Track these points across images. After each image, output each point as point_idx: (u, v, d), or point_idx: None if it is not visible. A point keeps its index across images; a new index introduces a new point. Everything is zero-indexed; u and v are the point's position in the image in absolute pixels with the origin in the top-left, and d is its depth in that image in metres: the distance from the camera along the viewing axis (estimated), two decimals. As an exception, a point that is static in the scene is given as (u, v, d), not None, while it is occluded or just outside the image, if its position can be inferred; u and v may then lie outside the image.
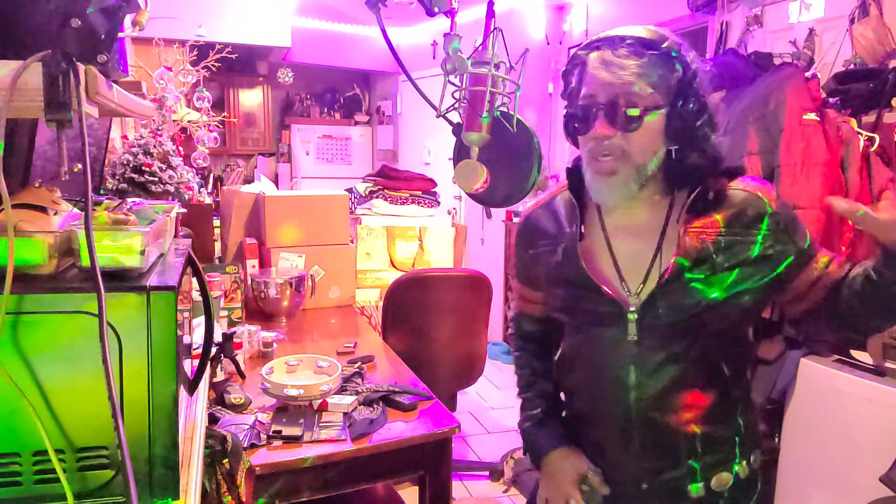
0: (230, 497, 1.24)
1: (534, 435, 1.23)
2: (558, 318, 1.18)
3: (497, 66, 1.14)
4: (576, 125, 1.06)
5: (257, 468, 1.34)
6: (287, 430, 1.47)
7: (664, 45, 0.99)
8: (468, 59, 1.14)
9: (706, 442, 1.06)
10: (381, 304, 2.93)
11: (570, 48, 4.71)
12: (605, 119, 1.00)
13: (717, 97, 2.27)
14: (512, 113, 1.21)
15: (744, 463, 1.09)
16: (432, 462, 1.57)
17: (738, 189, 1.05)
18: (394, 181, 3.42)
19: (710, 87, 1.05)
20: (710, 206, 1.03)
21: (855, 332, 1.07)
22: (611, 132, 1.00)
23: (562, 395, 1.26)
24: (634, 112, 0.98)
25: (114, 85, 0.80)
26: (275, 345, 2.07)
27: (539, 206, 1.22)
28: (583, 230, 1.11)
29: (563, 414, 1.25)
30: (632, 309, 1.04)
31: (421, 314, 2.63)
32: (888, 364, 1.81)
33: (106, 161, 2.33)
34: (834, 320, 1.04)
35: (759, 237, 1.01)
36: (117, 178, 2.41)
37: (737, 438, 1.09)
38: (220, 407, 1.57)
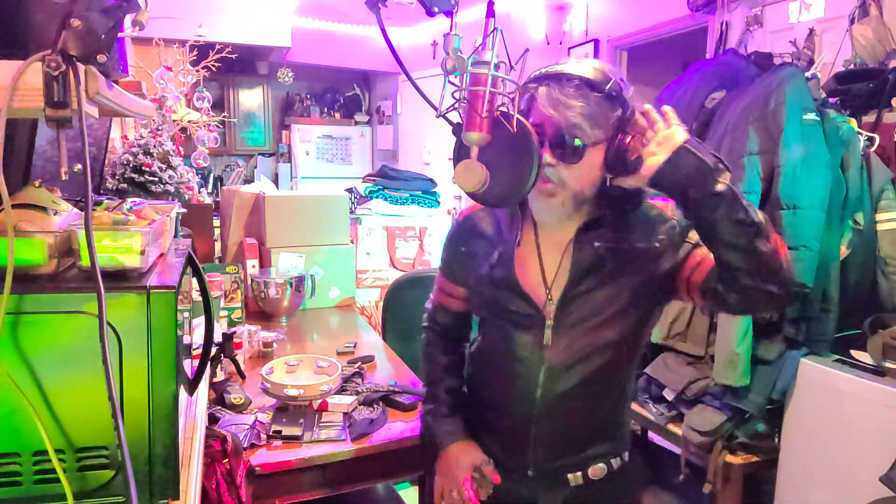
0: (230, 497, 1.24)
1: (435, 428, 1.31)
2: (480, 314, 1.28)
3: (497, 66, 1.14)
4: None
5: (257, 468, 1.34)
6: (287, 430, 1.47)
7: (608, 86, 1.06)
8: (468, 59, 1.14)
9: (592, 437, 1.19)
10: (381, 304, 2.93)
11: (570, 48, 4.71)
12: (549, 149, 1.09)
13: (718, 97, 2.27)
14: (512, 113, 1.21)
15: (619, 457, 1.22)
16: (432, 462, 1.57)
17: (646, 206, 1.16)
18: (394, 181, 3.42)
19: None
20: (610, 223, 1.14)
21: (737, 281, 1.07)
22: (553, 162, 1.09)
23: (466, 386, 1.34)
24: (577, 147, 1.07)
25: (114, 85, 0.80)
26: (275, 345, 2.07)
27: (480, 207, 1.27)
28: (519, 240, 1.20)
29: (467, 402, 1.33)
30: (547, 315, 1.14)
31: (421, 314, 2.63)
32: (888, 364, 1.81)
33: (106, 161, 2.33)
34: (721, 283, 1.09)
35: (655, 243, 1.13)
36: (117, 178, 2.41)
37: (616, 434, 1.22)
38: (220, 407, 1.57)
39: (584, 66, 1.09)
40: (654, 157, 1.01)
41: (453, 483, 1.23)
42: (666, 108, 1.07)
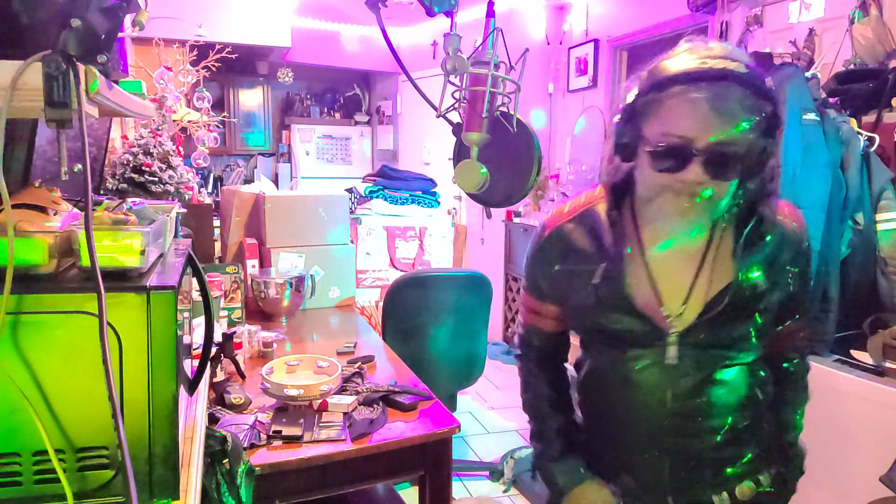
0: (230, 497, 1.24)
1: (553, 473, 1.19)
2: (587, 338, 1.15)
3: (497, 66, 1.15)
4: (657, 160, 0.95)
5: (257, 468, 1.34)
6: (287, 430, 1.47)
7: (766, 87, 0.91)
8: (468, 59, 1.14)
9: (733, 458, 1.09)
10: (381, 304, 2.93)
11: (570, 48, 4.71)
12: (701, 167, 0.91)
13: None
14: (512, 113, 1.22)
15: (766, 474, 1.11)
16: (432, 462, 1.57)
17: (781, 217, 1.06)
18: (394, 181, 3.42)
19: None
20: (760, 237, 1.03)
21: None
22: (704, 180, 0.92)
23: (579, 415, 1.23)
24: (733, 161, 0.91)
25: (114, 85, 0.80)
26: (275, 345, 2.07)
27: (569, 219, 1.12)
28: (622, 253, 1.07)
29: (582, 435, 1.22)
30: (672, 332, 1.03)
31: (421, 314, 2.63)
32: (888, 364, 1.81)
33: (106, 161, 2.33)
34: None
35: (799, 269, 1.06)
36: (117, 178, 2.41)
37: (760, 452, 1.11)
38: (220, 407, 1.57)
39: (732, 59, 0.90)
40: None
41: None
42: None
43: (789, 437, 1.16)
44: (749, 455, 1.10)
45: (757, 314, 1.03)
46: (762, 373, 1.10)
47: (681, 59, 0.92)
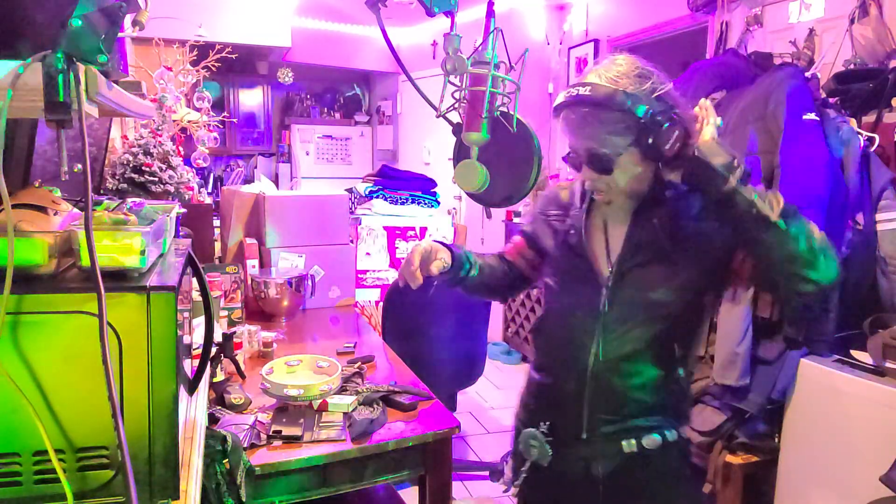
0: (230, 497, 1.24)
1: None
2: (548, 282, 1.35)
3: (497, 66, 1.14)
4: (574, 166, 1.24)
5: (257, 468, 1.34)
6: (287, 430, 1.47)
7: (615, 101, 1.10)
8: (468, 59, 1.14)
9: (645, 407, 1.22)
10: (381, 304, 2.93)
11: (570, 48, 4.71)
12: (586, 167, 1.19)
13: (718, 97, 2.27)
14: (512, 113, 1.22)
15: (673, 431, 1.24)
16: (432, 462, 1.57)
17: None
18: (394, 181, 3.42)
19: (676, 97, 1.16)
20: (666, 200, 1.20)
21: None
22: (594, 177, 1.19)
23: (533, 353, 1.41)
24: (606, 160, 1.15)
25: (114, 85, 0.80)
26: (275, 345, 2.07)
27: (564, 184, 1.40)
28: (588, 210, 1.30)
29: (531, 372, 1.39)
30: (604, 282, 1.22)
31: (421, 314, 2.63)
32: (888, 364, 1.81)
33: (106, 161, 2.33)
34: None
35: (709, 228, 1.18)
36: (117, 178, 2.41)
37: (672, 409, 1.25)
38: (220, 407, 1.57)
39: (596, 80, 1.13)
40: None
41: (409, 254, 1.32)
42: (703, 102, 1.13)
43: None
44: (658, 414, 1.23)
45: (661, 267, 1.18)
46: (684, 329, 1.21)
47: (562, 93, 1.19)
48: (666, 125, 1.10)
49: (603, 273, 1.23)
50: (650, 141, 1.11)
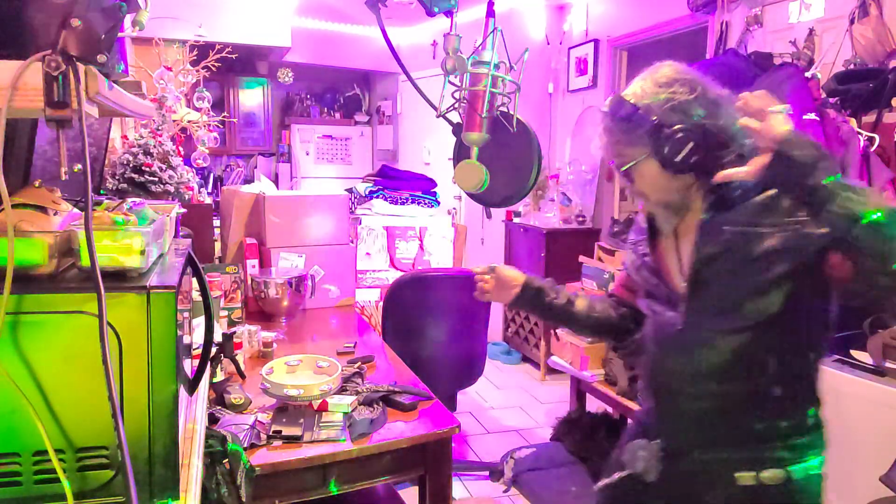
0: (230, 497, 1.24)
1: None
2: (640, 304, 1.34)
3: (497, 66, 1.15)
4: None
5: (257, 468, 1.34)
6: (287, 430, 1.47)
7: (621, 113, 1.14)
8: (468, 59, 1.14)
9: (753, 433, 1.13)
10: (381, 304, 2.93)
11: (570, 48, 4.71)
12: (620, 175, 1.21)
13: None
14: (512, 113, 1.22)
15: (801, 467, 1.14)
16: (432, 462, 1.57)
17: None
18: (394, 181, 3.42)
19: (707, 105, 1.11)
20: (737, 202, 1.12)
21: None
22: (623, 184, 1.22)
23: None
24: (625, 171, 1.18)
25: (114, 85, 0.80)
26: (275, 345, 2.07)
27: (642, 211, 1.38)
28: (659, 230, 1.28)
29: (642, 391, 1.39)
30: (681, 300, 1.19)
31: (421, 314, 2.63)
32: (888, 364, 1.81)
33: (106, 161, 2.33)
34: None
35: (788, 222, 1.05)
36: (117, 178, 2.41)
37: (797, 441, 1.15)
38: (220, 407, 1.57)
39: (613, 97, 1.17)
40: (759, 158, 0.99)
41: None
42: (759, 93, 1.02)
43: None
44: (777, 435, 1.13)
45: (739, 274, 1.10)
46: (777, 342, 1.11)
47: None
48: (679, 135, 1.09)
49: (678, 289, 1.20)
50: (665, 151, 1.11)
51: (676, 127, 1.09)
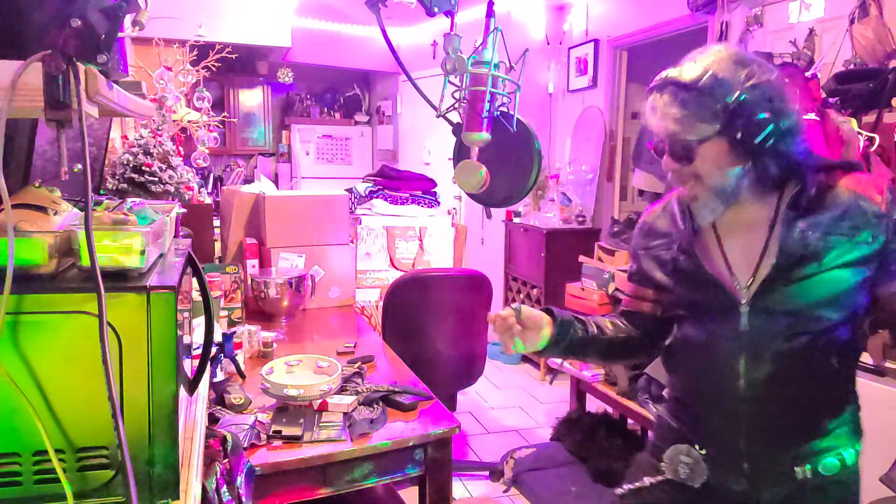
0: (230, 497, 1.24)
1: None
2: (675, 312, 1.26)
3: (497, 66, 1.15)
4: (655, 153, 1.17)
5: (257, 468, 1.34)
6: (287, 430, 1.47)
7: (701, 83, 1.05)
8: (468, 59, 1.14)
9: (814, 429, 1.12)
10: (381, 304, 2.93)
11: (570, 48, 4.71)
12: (669, 156, 1.12)
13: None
14: (512, 113, 1.22)
15: (852, 451, 1.15)
16: (432, 462, 1.57)
17: (846, 188, 1.09)
18: (394, 181, 3.42)
19: (782, 90, 1.07)
20: (815, 204, 1.09)
21: None
22: (676, 166, 1.12)
23: (668, 384, 1.34)
24: (686, 149, 1.09)
25: (114, 85, 0.80)
26: (275, 345, 2.07)
27: (656, 209, 1.31)
28: (695, 228, 1.20)
29: (669, 398, 1.32)
30: (743, 301, 1.11)
31: (421, 314, 2.63)
32: (888, 364, 1.81)
33: (106, 161, 2.33)
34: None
35: (867, 237, 1.06)
36: (117, 178, 2.41)
37: (844, 428, 1.15)
38: (220, 407, 1.57)
39: (689, 65, 1.09)
40: None
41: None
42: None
43: None
44: (830, 427, 1.13)
45: (820, 278, 1.06)
46: (840, 342, 1.11)
47: (660, 73, 1.12)
48: (760, 115, 1.03)
49: (734, 291, 1.13)
50: (740, 131, 1.04)
51: (760, 107, 1.03)
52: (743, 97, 1.03)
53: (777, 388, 1.10)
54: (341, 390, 1.65)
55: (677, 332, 1.27)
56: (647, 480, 1.26)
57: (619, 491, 1.32)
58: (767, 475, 1.14)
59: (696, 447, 1.20)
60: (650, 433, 1.35)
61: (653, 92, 1.11)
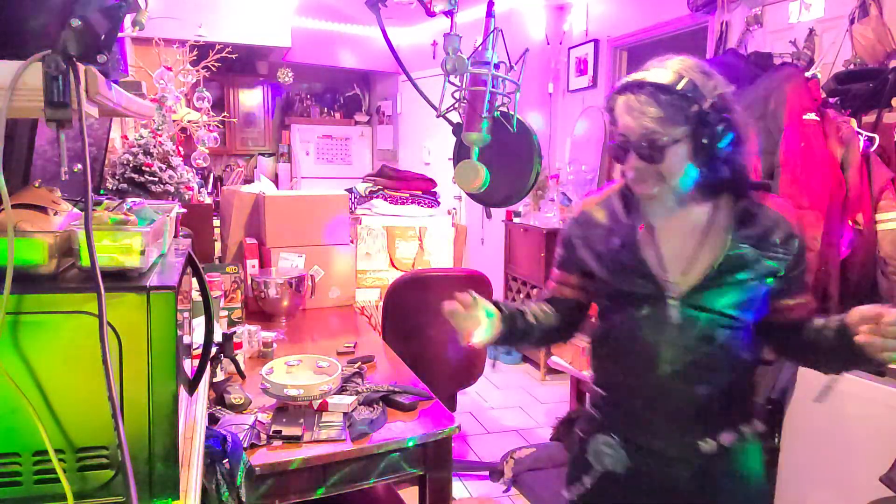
0: (230, 497, 1.24)
1: None
2: (600, 302, 1.33)
3: (497, 66, 1.15)
4: (617, 156, 1.21)
5: (257, 468, 1.34)
6: (287, 430, 1.47)
7: (679, 86, 1.10)
8: (468, 59, 1.14)
9: (721, 409, 1.22)
10: (381, 304, 2.93)
11: (570, 48, 4.71)
12: (636, 154, 1.16)
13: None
14: (512, 113, 1.22)
15: (748, 426, 1.25)
16: (432, 462, 1.57)
17: (771, 207, 1.21)
18: (394, 181, 3.42)
19: (734, 106, 1.15)
20: (751, 218, 1.19)
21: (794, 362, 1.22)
22: (642, 165, 1.16)
23: (591, 375, 1.38)
24: (658, 149, 1.13)
25: (114, 85, 0.80)
26: (275, 345, 2.07)
27: (594, 202, 1.34)
28: (635, 224, 1.26)
29: (590, 390, 1.37)
30: (673, 295, 1.19)
31: (421, 314, 2.63)
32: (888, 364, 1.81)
33: (106, 161, 2.33)
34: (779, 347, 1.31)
35: (784, 254, 1.18)
36: (117, 178, 2.41)
37: (744, 407, 1.26)
38: (220, 407, 1.57)
39: (660, 70, 1.14)
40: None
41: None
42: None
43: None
44: (733, 409, 1.23)
45: (747, 285, 1.17)
46: (748, 339, 1.22)
47: (630, 75, 1.17)
48: (722, 124, 1.11)
49: (665, 286, 1.19)
50: (705, 136, 1.11)
51: (724, 116, 1.11)
52: (711, 104, 1.10)
53: (695, 374, 1.19)
54: (341, 390, 1.65)
55: (603, 321, 1.33)
56: (587, 482, 1.31)
57: (566, 494, 1.36)
58: (678, 451, 1.23)
59: (613, 435, 1.27)
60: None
61: (624, 92, 1.15)
